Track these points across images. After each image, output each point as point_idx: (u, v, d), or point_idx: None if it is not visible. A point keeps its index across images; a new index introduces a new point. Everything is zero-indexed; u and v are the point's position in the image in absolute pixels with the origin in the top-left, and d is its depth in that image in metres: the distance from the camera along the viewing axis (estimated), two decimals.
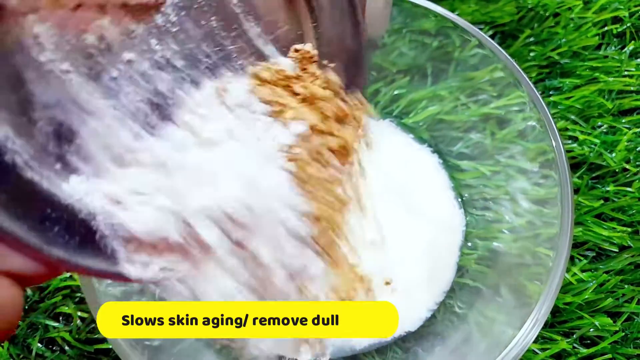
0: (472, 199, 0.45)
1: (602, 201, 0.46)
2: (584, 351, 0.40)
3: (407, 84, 0.49)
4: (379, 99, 0.50)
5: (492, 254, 0.42)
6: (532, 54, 0.53)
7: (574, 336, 0.41)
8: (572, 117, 0.50)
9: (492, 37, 0.55)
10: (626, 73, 0.52)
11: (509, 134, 0.45)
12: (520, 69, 0.39)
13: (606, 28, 0.55)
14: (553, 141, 0.37)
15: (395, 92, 0.50)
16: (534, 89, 0.39)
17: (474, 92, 0.47)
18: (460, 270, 0.42)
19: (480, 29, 0.51)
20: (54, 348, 0.42)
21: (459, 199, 0.45)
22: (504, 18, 0.55)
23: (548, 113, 0.38)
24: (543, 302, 0.34)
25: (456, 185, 0.46)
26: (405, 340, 0.40)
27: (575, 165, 0.48)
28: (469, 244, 0.43)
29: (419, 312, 0.41)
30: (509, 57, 0.40)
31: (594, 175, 0.48)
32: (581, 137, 0.49)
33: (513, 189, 0.44)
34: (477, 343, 0.38)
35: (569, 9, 0.55)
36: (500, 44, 0.44)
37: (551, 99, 0.51)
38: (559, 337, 0.41)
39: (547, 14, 0.55)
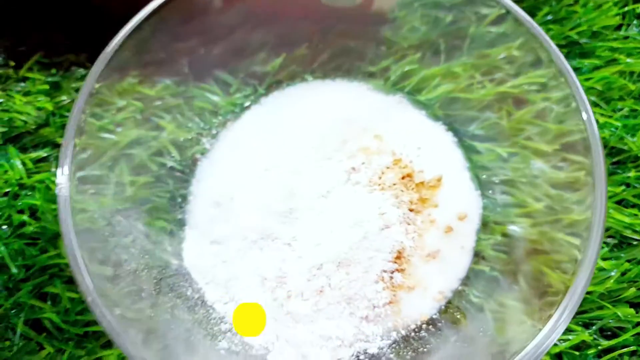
0: (488, 181, 0.43)
1: (623, 187, 0.44)
2: (605, 343, 0.38)
3: (419, 60, 0.46)
4: (390, 74, 0.47)
5: (509, 239, 0.40)
6: (550, 33, 0.51)
7: (594, 327, 0.39)
8: (593, 98, 0.48)
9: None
10: None
11: (527, 114, 0.42)
12: (550, 41, 0.37)
13: (627, 8, 0.53)
14: (585, 117, 0.34)
15: (407, 68, 0.47)
16: (566, 62, 0.36)
17: (489, 70, 0.44)
18: (477, 256, 0.40)
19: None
20: (40, 330, 0.39)
21: (476, 181, 0.43)
22: None
23: (580, 88, 0.35)
24: (571, 295, 0.31)
25: (472, 166, 0.43)
26: (419, 330, 0.38)
27: None
28: (486, 228, 0.41)
29: (433, 300, 0.38)
30: (535, 26, 0.37)
31: (614, 160, 0.46)
32: (601, 119, 0.47)
33: (531, 172, 0.41)
34: (495, 335, 0.36)
35: None
36: None
37: None
38: (578, 328, 0.39)
39: None
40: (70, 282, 0.40)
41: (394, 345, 0.37)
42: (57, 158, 0.45)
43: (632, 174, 0.44)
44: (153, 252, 0.38)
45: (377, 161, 0.41)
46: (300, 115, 0.44)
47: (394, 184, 0.40)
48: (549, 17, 0.52)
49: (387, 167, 0.41)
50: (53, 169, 0.44)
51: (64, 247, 0.31)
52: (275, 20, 0.45)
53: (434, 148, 0.43)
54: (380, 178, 0.40)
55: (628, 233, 0.42)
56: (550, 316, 0.32)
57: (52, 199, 0.43)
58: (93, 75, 0.37)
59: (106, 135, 0.39)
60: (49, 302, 0.40)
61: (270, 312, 0.37)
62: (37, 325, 0.39)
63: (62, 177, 0.33)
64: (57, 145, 0.45)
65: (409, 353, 0.36)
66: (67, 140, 0.34)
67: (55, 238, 0.42)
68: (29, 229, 0.42)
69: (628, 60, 0.49)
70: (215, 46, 0.45)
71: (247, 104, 0.46)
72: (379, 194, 0.39)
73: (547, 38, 0.37)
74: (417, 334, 0.37)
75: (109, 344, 0.39)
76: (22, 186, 0.43)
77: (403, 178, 0.40)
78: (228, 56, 0.45)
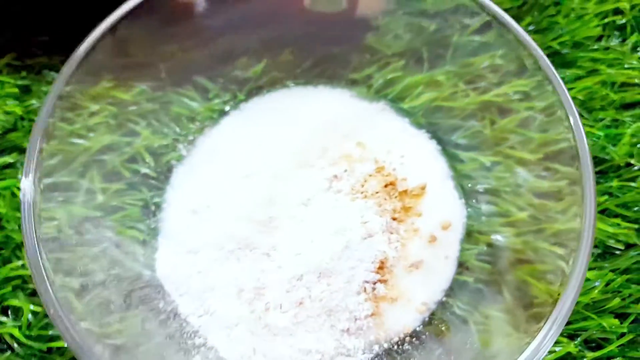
0: (472, 190, 0.42)
1: (606, 196, 0.43)
2: (590, 354, 0.37)
3: (403, 68, 0.46)
4: (373, 82, 0.46)
5: (493, 249, 0.39)
6: None
7: (579, 338, 0.38)
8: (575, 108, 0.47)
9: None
10: (628, 66, 0.50)
11: (510, 123, 0.42)
12: (537, 48, 0.36)
13: (607, 20, 0.53)
14: (573, 123, 0.34)
15: (390, 76, 0.46)
16: (553, 69, 0.36)
17: (473, 78, 0.44)
18: (461, 266, 0.39)
19: None
20: (0, 346, 0.37)
21: (460, 190, 0.42)
22: (504, 4, 0.52)
23: (567, 95, 0.35)
24: (561, 307, 0.30)
25: (455, 175, 0.42)
26: (402, 343, 0.36)
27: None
28: (470, 238, 0.40)
29: (416, 312, 0.37)
30: (522, 32, 0.37)
31: (597, 169, 0.45)
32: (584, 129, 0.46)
33: (515, 181, 0.41)
34: (480, 348, 0.34)
35: None
36: None
37: None
38: (564, 340, 0.38)
39: (547, 3, 0.53)
40: (34, 294, 0.38)
41: (376, 358, 0.35)
42: (24, 164, 0.43)
43: (614, 183, 0.44)
44: (124, 263, 0.36)
45: (359, 169, 0.40)
46: (281, 121, 0.43)
47: (377, 192, 0.39)
48: (531, 28, 0.52)
49: (370, 175, 0.40)
50: (19, 176, 0.42)
51: (26, 256, 0.29)
52: (258, 25, 0.44)
53: (417, 156, 0.42)
54: (362, 186, 0.39)
55: (611, 243, 0.41)
56: (539, 329, 0.31)
57: (18, 206, 0.41)
58: (63, 77, 0.36)
59: (77, 140, 0.38)
60: (10, 316, 0.37)
61: (247, 325, 0.35)
62: None
63: (26, 182, 0.31)
64: (24, 151, 0.43)
65: None
66: (33, 143, 0.32)
67: (19, 248, 0.39)
68: None
69: (609, 71, 0.49)
70: (194, 50, 0.43)
71: (226, 109, 0.44)
72: (361, 202, 0.38)
73: (534, 45, 0.37)
74: (401, 347, 0.36)
75: None
76: None
77: (386, 186, 0.39)
78: (207, 61, 0.44)
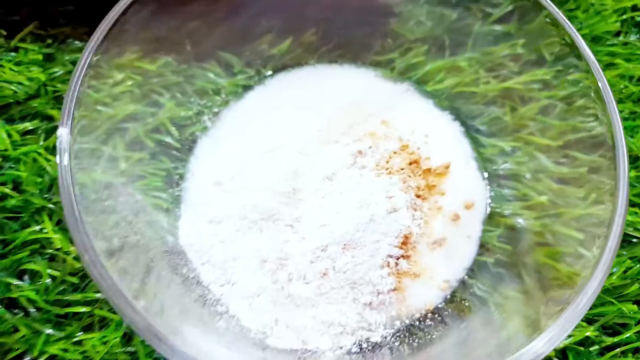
0: (493, 174, 0.42)
1: None
2: (609, 340, 0.38)
3: (425, 53, 0.46)
4: (395, 65, 0.46)
5: (514, 232, 0.39)
6: None
7: (597, 323, 0.38)
8: None
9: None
10: None
11: (530, 111, 0.42)
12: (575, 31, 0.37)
13: (625, 16, 0.53)
14: (610, 108, 0.34)
15: (413, 61, 0.46)
16: (595, 60, 0.36)
17: (494, 66, 0.44)
18: (482, 247, 0.39)
19: None
20: (15, 310, 0.36)
21: (482, 171, 0.42)
22: None
23: (606, 82, 0.35)
24: (585, 292, 0.29)
25: (478, 157, 0.42)
26: (424, 319, 0.36)
27: None
28: (491, 220, 0.40)
29: (438, 289, 0.37)
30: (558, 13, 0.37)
31: None
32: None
33: (535, 167, 0.41)
34: (501, 327, 0.34)
35: None
36: None
37: None
38: (583, 324, 0.38)
39: None
40: (53, 259, 0.38)
41: (397, 334, 0.35)
42: (45, 131, 0.43)
43: (632, 174, 0.44)
44: (147, 229, 0.36)
45: (384, 146, 0.40)
46: (306, 97, 0.43)
47: (402, 169, 0.39)
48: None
49: (394, 152, 0.40)
50: (41, 142, 0.42)
51: (59, 197, 0.28)
52: (282, 5, 0.44)
53: (441, 136, 0.42)
54: (387, 162, 0.39)
55: (629, 231, 0.42)
56: (561, 311, 0.30)
57: (38, 172, 0.40)
58: (92, 45, 0.35)
59: (102, 108, 0.37)
60: (27, 281, 0.37)
61: (270, 295, 0.35)
62: (13, 305, 0.36)
63: (63, 130, 0.31)
64: (46, 118, 0.43)
65: (417, 341, 0.34)
66: (71, 92, 0.32)
67: (38, 212, 0.39)
68: (11, 202, 0.39)
69: (627, 65, 0.50)
70: (219, 26, 0.43)
71: (250, 84, 0.44)
72: (386, 177, 0.38)
73: (570, 25, 0.37)
74: (422, 323, 0.36)
75: (90, 327, 0.36)
76: (6, 158, 0.41)
77: (410, 164, 0.39)
78: (232, 38, 0.44)
